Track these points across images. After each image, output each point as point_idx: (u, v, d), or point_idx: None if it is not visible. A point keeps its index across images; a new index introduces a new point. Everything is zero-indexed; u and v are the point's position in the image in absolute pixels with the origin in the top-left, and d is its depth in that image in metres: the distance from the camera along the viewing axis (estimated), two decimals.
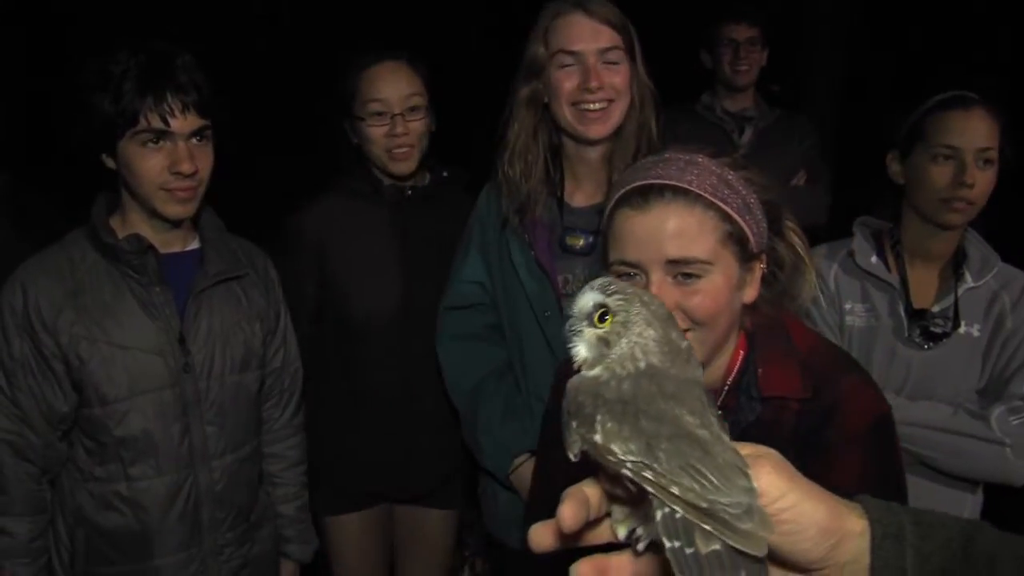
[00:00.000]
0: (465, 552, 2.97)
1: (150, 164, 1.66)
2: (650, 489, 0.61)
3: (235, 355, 1.81)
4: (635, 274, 1.26)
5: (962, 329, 1.89)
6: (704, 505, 0.59)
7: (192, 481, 1.76)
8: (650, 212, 1.24)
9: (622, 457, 0.63)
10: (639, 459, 0.62)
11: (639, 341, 0.68)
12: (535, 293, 1.87)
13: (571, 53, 1.78)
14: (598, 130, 1.80)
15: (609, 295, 0.71)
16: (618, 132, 1.82)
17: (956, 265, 1.93)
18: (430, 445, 2.25)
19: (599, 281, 0.73)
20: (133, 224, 1.75)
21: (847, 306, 1.96)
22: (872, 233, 2.01)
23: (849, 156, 2.01)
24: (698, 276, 1.24)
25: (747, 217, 1.27)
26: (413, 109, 2.13)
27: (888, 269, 1.95)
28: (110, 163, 1.70)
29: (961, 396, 1.87)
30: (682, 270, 1.24)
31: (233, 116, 1.79)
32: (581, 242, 1.84)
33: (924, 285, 1.94)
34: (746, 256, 1.28)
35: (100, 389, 1.68)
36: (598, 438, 0.65)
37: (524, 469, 1.85)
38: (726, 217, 1.24)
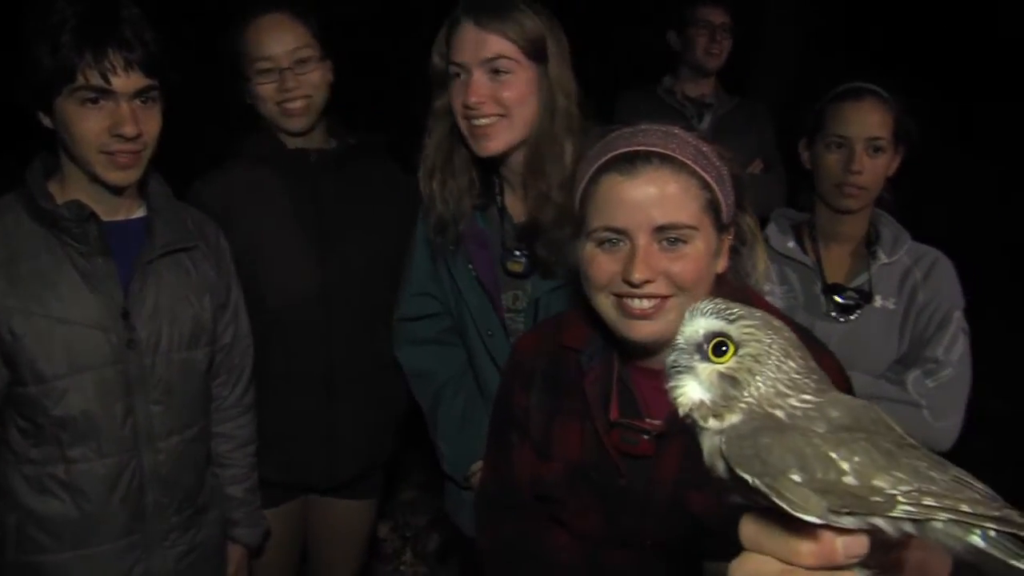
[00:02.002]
0: (406, 533, 2.94)
1: (89, 125, 1.55)
2: (941, 516, 0.50)
3: (183, 331, 1.72)
4: (618, 240, 1.27)
5: (878, 303, 2.01)
6: (996, 513, 0.50)
7: (136, 464, 1.66)
8: (638, 177, 1.25)
9: (891, 491, 0.51)
10: (913, 486, 0.51)
11: (780, 377, 0.56)
12: (478, 311, 1.84)
13: (459, 65, 1.70)
14: (488, 146, 1.70)
15: (732, 321, 0.58)
16: (534, 142, 1.71)
17: (869, 243, 2.05)
18: (351, 434, 2.15)
19: (710, 304, 0.60)
20: (73, 190, 1.64)
21: (767, 288, 2.03)
22: (792, 225, 2.12)
23: (795, 151, 2.09)
24: (684, 242, 1.26)
25: (722, 188, 1.30)
26: (302, 62, 2.01)
27: (805, 252, 2.07)
28: (47, 122, 1.59)
29: (882, 367, 1.98)
30: (668, 235, 1.26)
31: (185, 77, 1.68)
32: (520, 267, 1.79)
33: (839, 264, 2.07)
34: (720, 226, 1.31)
35: (36, 366, 1.57)
36: (850, 479, 0.51)
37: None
38: (706, 185, 1.27)
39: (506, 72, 1.67)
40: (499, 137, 1.70)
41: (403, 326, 2.01)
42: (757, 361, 0.56)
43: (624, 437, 1.34)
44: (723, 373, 0.57)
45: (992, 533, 0.50)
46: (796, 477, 0.52)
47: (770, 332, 0.57)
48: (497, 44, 1.66)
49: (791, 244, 2.08)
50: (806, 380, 0.56)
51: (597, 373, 1.37)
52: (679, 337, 0.60)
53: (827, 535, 0.51)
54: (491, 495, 1.52)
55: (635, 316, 1.28)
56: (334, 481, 2.21)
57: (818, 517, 0.51)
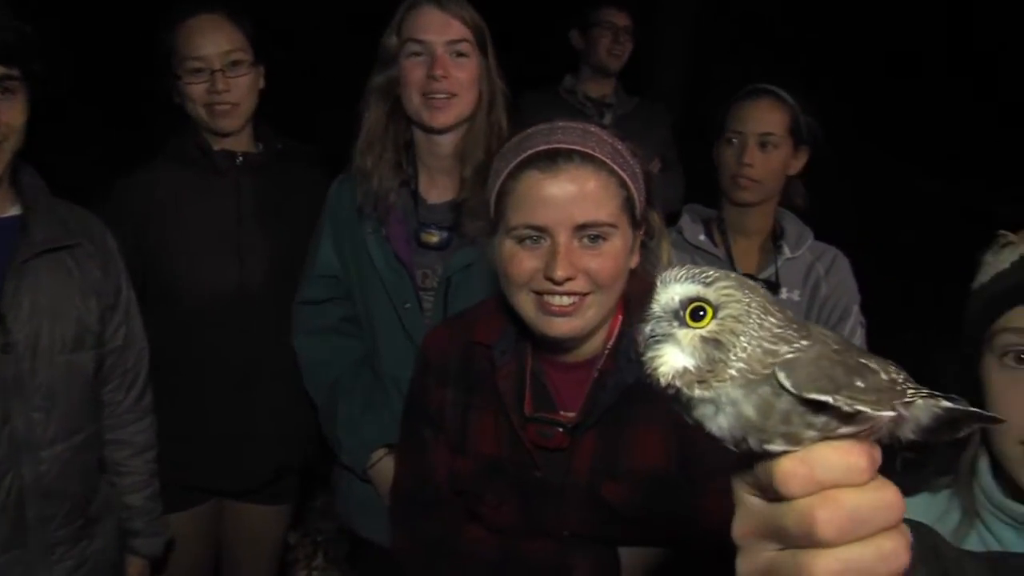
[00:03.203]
0: (318, 538, 2.89)
1: None
2: (923, 393, 0.57)
3: (66, 333, 1.63)
4: (539, 237, 1.28)
5: (784, 295, 2.08)
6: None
7: (15, 474, 1.56)
8: (560, 175, 1.26)
9: (901, 381, 0.56)
10: (902, 376, 0.56)
11: (763, 335, 0.55)
12: (393, 285, 1.85)
13: (420, 42, 1.78)
14: (441, 119, 1.79)
15: (708, 284, 0.56)
16: (468, 129, 1.83)
17: (775, 239, 2.15)
18: (265, 436, 2.11)
19: (682, 271, 0.58)
20: None
21: None
22: (703, 220, 2.20)
23: (692, 152, 2.20)
24: (603, 239, 1.28)
25: (636, 185, 1.32)
26: (234, 64, 2.00)
27: (715, 245, 2.15)
28: None
29: None
30: (589, 233, 1.27)
31: (52, 66, 1.60)
32: (436, 238, 1.84)
33: (747, 257, 2.15)
34: (635, 223, 1.33)
35: None
36: (882, 376, 0.55)
37: (383, 464, 1.84)
38: (623, 183, 1.29)
39: (464, 55, 1.79)
40: (452, 111, 1.79)
41: (303, 311, 1.99)
42: (739, 321, 0.55)
43: (539, 431, 1.35)
44: (705, 337, 0.55)
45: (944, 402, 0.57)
46: (860, 383, 0.53)
47: (747, 291, 0.56)
48: (459, 28, 1.79)
49: (702, 237, 2.16)
50: (788, 331, 0.55)
51: (510, 368, 1.37)
52: (654, 306, 0.57)
53: (869, 441, 0.54)
54: (406, 493, 1.49)
55: (555, 313, 1.28)
56: (246, 485, 2.15)
57: (891, 410, 0.54)
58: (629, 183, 1.30)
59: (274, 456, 2.15)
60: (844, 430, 0.53)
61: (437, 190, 1.88)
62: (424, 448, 1.45)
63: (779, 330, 0.55)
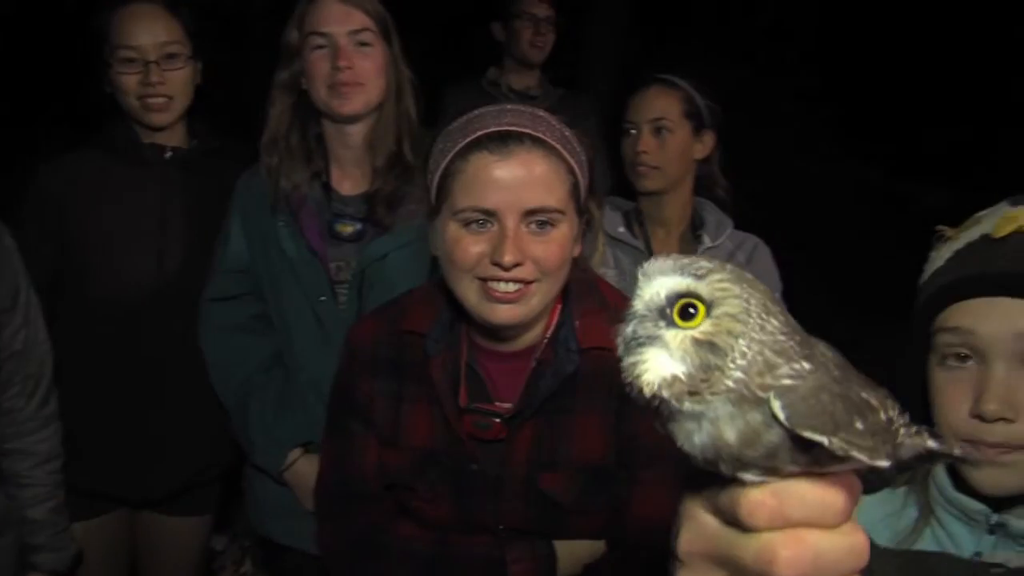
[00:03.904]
0: (245, 543, 2.82)
1: None
2: (912, 431, 0.52)
3: None
4: (486, 221, 1.25)
5: None
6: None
7: None
8: (510, 158, 1.24)
9: (895, 419, 0.51)
10: (895, 411, 0.51)
11: (766, 340, 0.47)
12: (307, 279, 1.82)
13: (322, 35, 1.78)
14: (350, 107, 1.79)
15: (701, 277, 0.48)
16: (378, 118, 1.83)
17: (695, 229, 2.16)
18: (177, 442, 2.03)
19: (668, 261, 0.50)
20: None
21: (601, 271, 2.09)
22: (622, 212, 2.21)
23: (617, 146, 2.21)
24: (551, 225, 1.26)
25: (582, 172, 1.31)
26: (170, 57, 1.95)
27: (635, 236, 2.16)
28: None
29: None
30: (537, 218, 1.25)
31: None
32: (350, 229, 1.83)
33: (667, 248, 2.16)
34: (580, 211, 1.32)
35: None
36: (880, 415, 0.50)
37: (300, 464, 1.81)
38: (571, 170, 1.28)
39: (368, 45, 1.79)
40: (360, 98, 1.79)
41: (211, 308, 1.94)
42: (737, 320, 0.47)
43: (475, 422, 1.34)
44: (698, 339, 0.47)
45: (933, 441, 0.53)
46: (859, 424, 0.47)
47: (745, 286, 0.48)
48: (361, 18, 1.79)
49: (621, 229, 2.16)
50: (791, 342, 0.47)
51: (444, 357, 1.35)
52: (635, 302, 0.50)
53: (854, 479, 0.49)
54: (333, 489, 1.45)
55: (499, 300, 1.26)
56: (158, 493, 2.06)
57: (886, 460, 0.48)
58: (576, 170, 1.29)
59: (188, 463, 2.07)
60: (830, 468, 0.48)
61: (349, 182, 1.87)
62: (352, 441, 1.41)
63: (782, 337, 0.47)
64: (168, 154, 2.02)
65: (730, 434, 0.47)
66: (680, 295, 0.48)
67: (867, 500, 1.03)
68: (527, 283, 1.26)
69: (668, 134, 2.11)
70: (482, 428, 1.34)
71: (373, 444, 1.40)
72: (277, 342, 1.90)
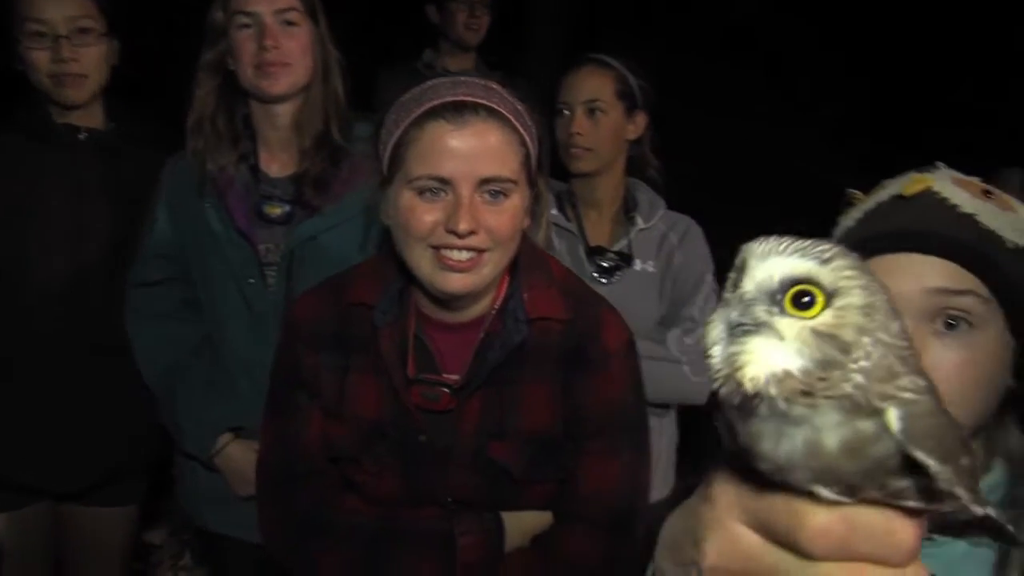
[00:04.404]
0: (184, 536, 2.78)
1: None
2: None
3: None
4: (440, 190, 1.27)
5: (638, 266, 2.11)
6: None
7: None
8: (466, 128, 1.26)
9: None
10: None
11: (892, 344, 0.41)
12: (236, 261, 1.81)
13: (248, 14, 1.76)
14: (277, 87, 1.77)
15: (825, 262, 0.42)
16: (305, 98, 1.82)
17: (627, 210, 2.16)
18: (98, 432, 1.99)
19: (785, 241, 0.43)
20: None
21: None
22: (554, 193, 2.19)
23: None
24: (504, 195, 1.29)
25: (534, 146, 1.34)
26: (82, 32, 1.90)
27: (568, 219, 2.16)
28: None
29: (644, 327, 2.05)
30: (492, 188, 1.27)
31: None
32: (279, 210, 1.82)
33: (600, 229, 2.16)
34: (531, 183, 1.34)
35: None
36: (967, 460, 0.44)
37: (231, 449, 1.80)
38: (523, 142, 1.31)
39: (294, 24, 1.77)
40: (288, 78, 1.78)
41: (138, 293, 1.91)
42: (865, 315, 0.41)
43: (424, 393, 1.35)
44: (820, 330, 0.41)
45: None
46: (965, 461, 0.42)
47: (872, 278, 0.42)
48: None
49: (554, 211, 2.14)
50: (910, 351, 0.42)
51: (392, 328, 1.36)
52: (745, 283, 0.42)
53: (923, 520, 0.43)
54: (275, 465, 1.43)
55: (452, 268, 1.27)
56: (79, 484, 2.01)
57: (981, 507, 0.43)
58: (528, 142, 1.32)
59: (110, 453, 2.02)
60: (908, 503, 0.42)
61: (277, 164, 1.85)
62: (296, 416, 1.40)
63: (903, 343, 0.42)
64: (83, 135, 1.97)
65: (832, 442, 0.41)
66: (796, 280, 0.42)
67: None
68: (480, 252, 1.28)
69: (601, 115, 2.10)
70: (431, 399, 1.35)
71: (318, 417, 1.39)
72: (205, 326, 1.88)
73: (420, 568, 1.33)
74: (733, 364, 0.42)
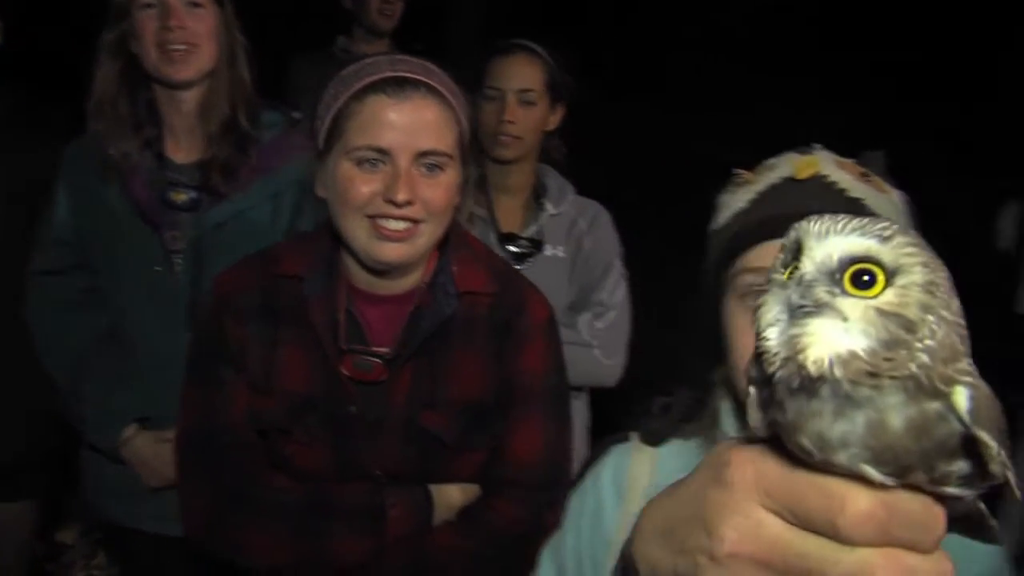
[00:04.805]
0: (98, 536, 2.71)
1: None
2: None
3: None
4: (378, 161, 1.30)
5: (548, 252, 2.13)
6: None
7: None
8: (407, 102, 1.30)
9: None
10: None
11: (953, 323, 0.41)
12: (140, 249, 1.77)
13: None
14: (183, 72, 1.74)
15: (886, 240, 0.41)
16: (211, 84, 1.79)
17: (537, 196, 2.18)
18: None
19: (845, 218, 0.42)
20: None
21: None
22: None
23: None
24: (440, 169, 1.33)
25: (467, 124, 1.40)
26: None
27: (478, 204, 2.14)
28: None
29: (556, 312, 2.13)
30: (428, 161, 1.31)
31: None
32: (184, 197, 1.79)
33: (511, 215, 2.18)
34: (464, 160, 1.39)
35: None
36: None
37: (137, 439, 1.76)
38: (458, 120, 1.36)
39: (199, 6, 1.75)
40: (193, 64, 1.74)
41: (39, 282, 1.86)
42: (928, 292, 0.40)
43: (356, 363, 1.37)
44: (884, 310, 0.39)
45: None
46: (1005, 448, 0.42)
47: (932, 255, 0.41)
48: None
49: None
50: (965, 331, 0.41)
51: (322, 300, 1.37)
52: (806, 264, 0.41)
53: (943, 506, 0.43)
54: (198, 439, 1.41)
55: (388, 238, 1.30)
56: None
57: (1020, 495, 0.43)
58: (463, 121, 1.37)
59: (5, 445, 1.97)
60: (948, 490, 0.42)
61: (183, 150, 1.82)
62: (221, 389, 1.39)
63: (962, 321, 0.41)
64: None
65: (898, 422, 0.40)
66: (857, 259, 0.40)
67: (662, 453, 1.07)
68: (416, 222, 1.31)
69: (532, 105, 2.11)
70: (364, 369, 1.37)
71: (244, 391, 1.39)
72: (109, 315, 1.83)
73: (350, 541, 1.34)
74: (795, 347, 0.40)
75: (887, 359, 0.39)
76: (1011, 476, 0.41)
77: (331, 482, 1.37)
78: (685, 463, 1.02)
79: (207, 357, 1.42)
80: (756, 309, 0.43)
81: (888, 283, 0.40)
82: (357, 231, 1.32)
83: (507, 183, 2.18)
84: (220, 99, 1.78)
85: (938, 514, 0.42)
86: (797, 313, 0.41)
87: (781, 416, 0.41)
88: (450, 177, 1.34)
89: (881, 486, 0.40)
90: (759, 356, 0.43)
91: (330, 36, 3.26)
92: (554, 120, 2.18)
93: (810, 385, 0.40)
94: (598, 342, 2.06)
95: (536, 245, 2.13)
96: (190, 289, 1.73)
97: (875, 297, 0.40)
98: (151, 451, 1.75)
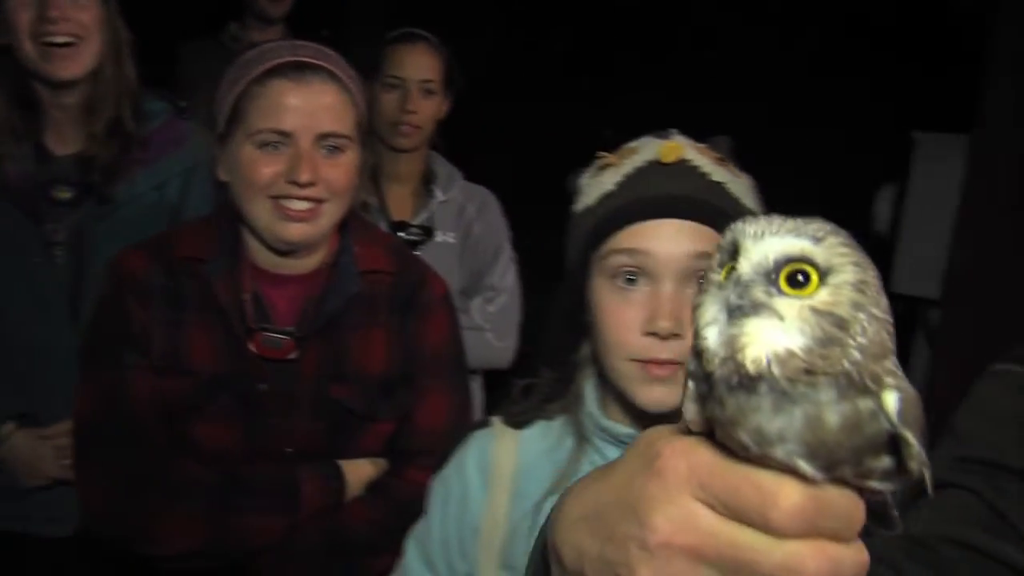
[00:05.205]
0: None
1: None
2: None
3: None
4: (280, 143, 1.34)
5: (439, 238, 2.18)
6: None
7: None
8: (307, 86, 1.35)
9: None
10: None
11: (883, 320, 0.42)
12: (18, 240, 1.70)
13: None
14: (70, 68, 1.65)
15: (819, 240, 0.42)
16: (96, 81, 1.70)
17: (427, 183, 2.22)
18: None
19: (780, 220, 0.43)
20: None
21: None
22: None
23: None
24: (341, 151, 1.38)
25: (365, 108, 1.45)
26: None
27: (369, 192, 2.15)
28: None
29: None
30: (330, 143, 1.36)
31: None
32: (67, 195, 1.72)
33: (402, 203, 2.21)
34: (361, 143, 1.43)
35: None
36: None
37: (16, 439, 1.69)
38: (356, 104, 1.41)
39: None
40: (79, 60, 1.66)
41: None
42: (859, 291, 0.41)
43: (265, 341, 1.40)
44: (818, 309, 0.41)
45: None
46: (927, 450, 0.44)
47: (863, 254, 0.43)
48: None
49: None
50: (892, 328, 0.43)
51: (226, 281, 1.39)
52: (743, 265, 0.43)
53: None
54: (98, 424, 1.38)
55: (292, 218, 1.34)
56: None
57: (931, 488, 0.45)
58: (361, 105, 1.42)
59: None
60: (871, 484, 0.44)
61: (64, 144, 1.75)
62: (123, 373, 1.37)
63: (890, 319, 0.42)
64: None
65: (834, 418, 0.41)
66: (791, 259, 0.42)
67: (525, 435, 1.11)
68: (318, 202, 1.36)
69: (432, 96, 2.16)
70: (273, 346, 1.40)
71: (148, 374, 1.38)
72: None
73: (263, 520, 1.36)
74: (734, 347, 0.42)
75: (822, 356, 0.40)
76: (927, 473, 0.43)
77: (241, 462, 1.38)
78: (550, 444, 1.08)
79: (107, 340, 1.41)
80: (694, 309, 0.45)
81: (821, 282, 0.41)
82: (260, 212, 1.35)
83: (399, 171, 2.21)
84: (105, 99, 1.70)
85: (860, 507, 0.44)
86: (735, 313, 0.42)
87: (720, 412, 0.43)
88: (350, 159, 1.39)
89: (811, 480, 0.42)
90: (697, 354, 0.44)
91: (220, 23, 3.19)
92: (444, 110, 2.23)
93: (749, 383, 0.41)
94: (490, 325, 2.12)
95: (427, 232, 2.17)
96: (72, 282, 1.69)
97: (810, 296, 0.41)
98: (30, 449, 1.69)
